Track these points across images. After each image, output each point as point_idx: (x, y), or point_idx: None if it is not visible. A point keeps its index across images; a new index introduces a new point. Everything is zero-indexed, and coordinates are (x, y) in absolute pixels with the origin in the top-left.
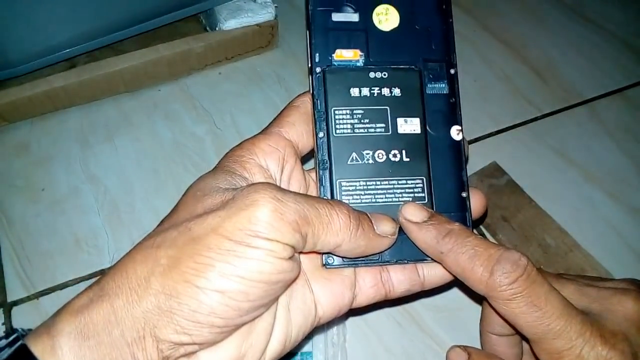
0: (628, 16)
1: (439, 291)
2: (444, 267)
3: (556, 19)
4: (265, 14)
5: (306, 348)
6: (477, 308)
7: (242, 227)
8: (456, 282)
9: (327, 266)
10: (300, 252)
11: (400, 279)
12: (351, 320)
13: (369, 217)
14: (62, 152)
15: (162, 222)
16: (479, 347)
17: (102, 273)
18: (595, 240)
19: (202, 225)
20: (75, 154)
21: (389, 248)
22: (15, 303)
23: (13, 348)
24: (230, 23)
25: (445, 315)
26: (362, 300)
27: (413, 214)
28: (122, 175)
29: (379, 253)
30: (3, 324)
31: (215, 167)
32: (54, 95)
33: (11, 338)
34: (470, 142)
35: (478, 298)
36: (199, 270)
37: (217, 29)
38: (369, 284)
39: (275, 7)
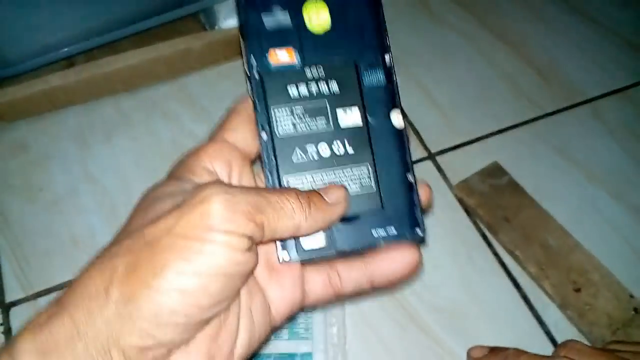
0: (631, 15)
1: (438, 291)
2: None
3: (558, 18)
4: None
5: (306, 349)
6: (477, 308)
7: (196, 224)
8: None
9: (284, 261)
10: (261, 242)
11: (349, 276)
12: (351, 321)
13: (317, 191)
14: (61, 152)
15: (115, 236)
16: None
17: None
18: (597, 240)
19: (156, 229)
20: (73, 153)
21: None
22: (14, 304)
23: None
24: (230, 22)
25: (445, 316)
26: (312, 298)
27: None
28: (120, 175)
29: (332, 247)
30: (1, 324)
31: (165, 177)
32: (52, 94)
33: None
34: (472, 141)
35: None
36: (156, 272)
37: (216, 27)
38: (318, 283)
39: None
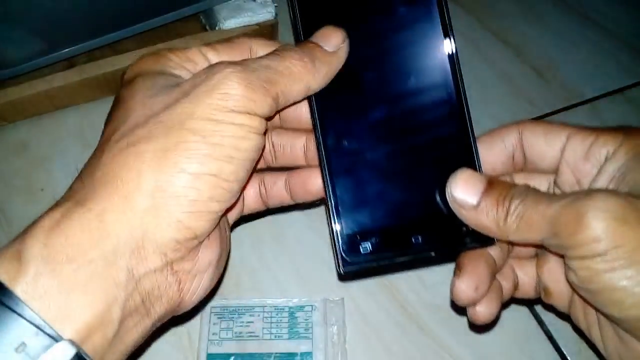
0: (630, 16)
1: (437, 290)
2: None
3: (557, 19)
4: (265, 14)
5: (306, 348)
6: None
7: (217, 106)
8: None
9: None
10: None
11: (274, 195)
12: (351, 320)
13: (313, 42)
14: (62, 152)
15: (105, 130)
16: (481, 351)
17: None
18: None
19: (175, 115)
20: (74, 154)
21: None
22: None
23: None
24: (230, 22)
25: (445, 315)
26: (248, 207)
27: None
28: None
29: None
30: None
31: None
32: (53, 94)
33: None
34: None
35: None
36: (191, 157)
37: (216, 28)
38: (252, 196)
39: (275, 6)
